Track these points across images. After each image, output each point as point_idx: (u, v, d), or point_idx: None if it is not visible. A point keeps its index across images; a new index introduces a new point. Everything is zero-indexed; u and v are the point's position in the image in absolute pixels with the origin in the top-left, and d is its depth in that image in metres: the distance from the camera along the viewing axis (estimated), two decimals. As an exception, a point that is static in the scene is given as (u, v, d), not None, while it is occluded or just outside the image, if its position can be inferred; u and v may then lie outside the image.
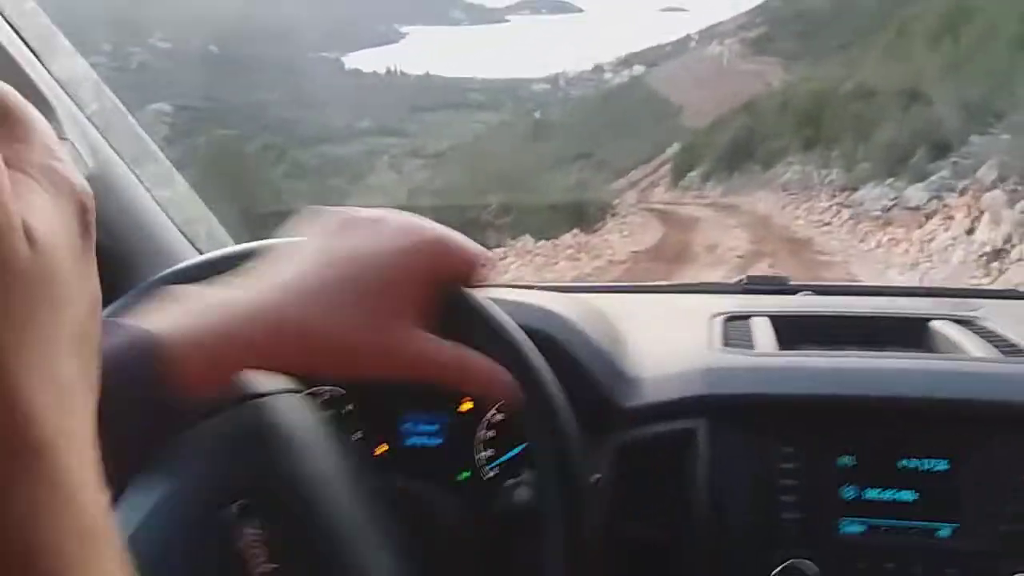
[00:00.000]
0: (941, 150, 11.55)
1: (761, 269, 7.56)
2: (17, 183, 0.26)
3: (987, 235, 8.25)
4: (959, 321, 1.00)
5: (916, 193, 10.94)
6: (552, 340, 0.86)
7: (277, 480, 0.48)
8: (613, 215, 14.58)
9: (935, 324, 0.99)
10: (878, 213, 11.11)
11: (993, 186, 9.41)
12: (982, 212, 8.79)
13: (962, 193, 9.94)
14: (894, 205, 11.03)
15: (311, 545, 0.48)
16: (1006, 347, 0.89)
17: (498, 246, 10.91)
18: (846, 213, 12.04)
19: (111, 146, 1.00)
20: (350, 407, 0.96)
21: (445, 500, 0.80)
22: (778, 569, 0.77)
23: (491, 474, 0.90)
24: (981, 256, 7.85)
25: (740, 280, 1.25)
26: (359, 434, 0.96)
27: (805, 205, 13.43)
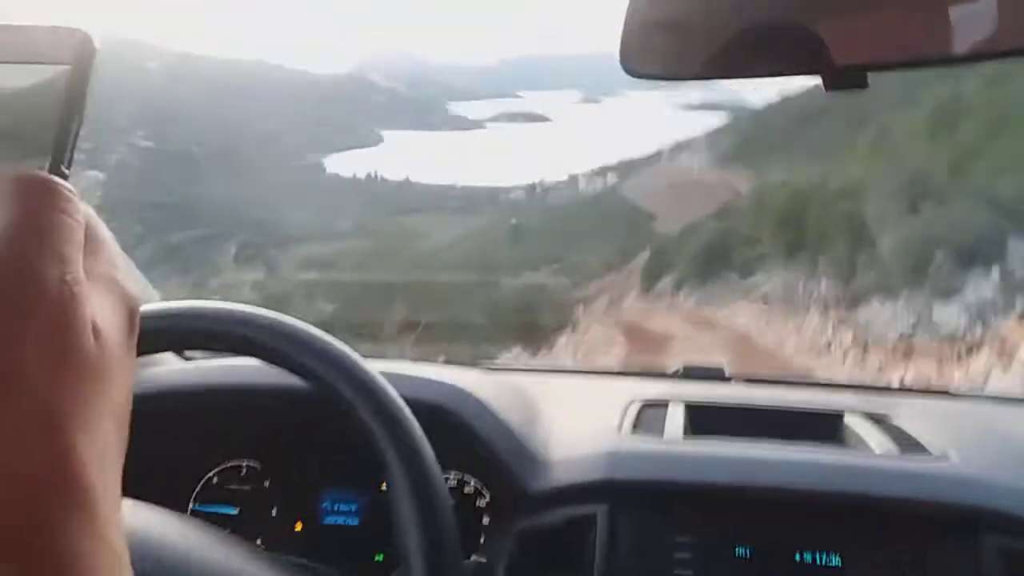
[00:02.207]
0: (970, 257, 8.87)
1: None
2: (94, 292, 0.34)
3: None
4: (871, 417, 1.02)
5: (949, 314, 8.18)
6: (456, 417, 0.89)
7: None
8: (573, 329, 12.50)
9: (847, 419, 1.02)
10: (894, 339, 8.42)
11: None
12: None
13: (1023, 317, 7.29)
14: (915, 330, 8.39)
15: None
16: (909, 444, 0.94)
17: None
18: (848, 336, 9.23)
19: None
20: (267, 483, 0.96)
21: None
22: None
23: None
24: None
25: (677, 370, 1.31)
26: (274, 511, 0.95)
27: (792, 322, 10.83)
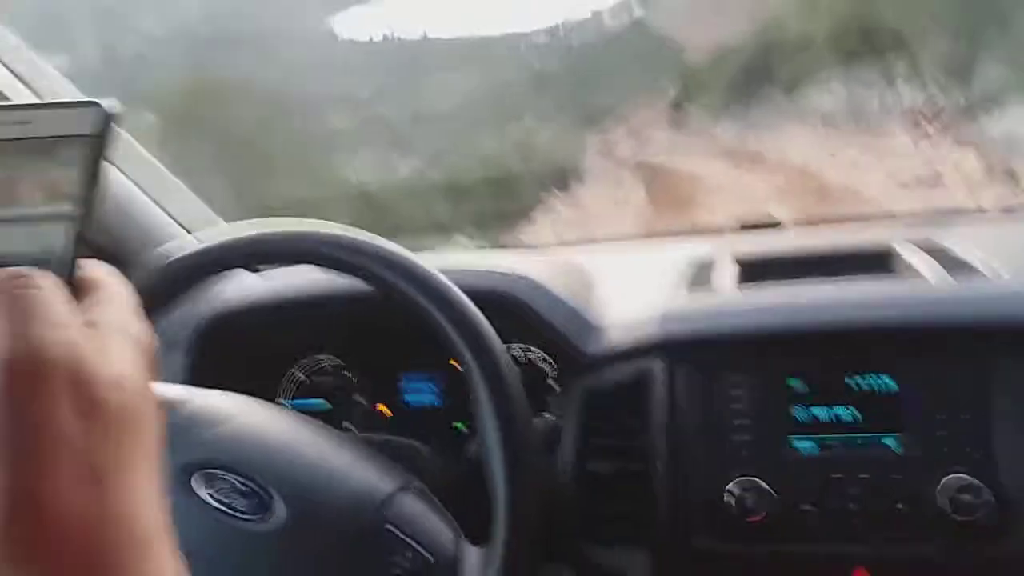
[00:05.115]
0: None
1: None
2: (105, 342, 0.35)
3: None
4: (923, 246, 1.03)
5: None
6: (514, 298, 0.95)
7: None
8: (577, 182, 9.56)
9: (899, 250, 1.03)
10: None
11: None
12: None
13: None
14: None
15: None
16: (961, 269, 0.95)
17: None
18: (973, 163, 4.41)
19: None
20: (350, 374, 1.03)
21: (440, 452, 0.88)
22: (730, 487, 0.84)
23: None
24: None
25: (732, 224, 1.32)
26: (361, 398, 1.02)
27: (864, 143, 5.55)
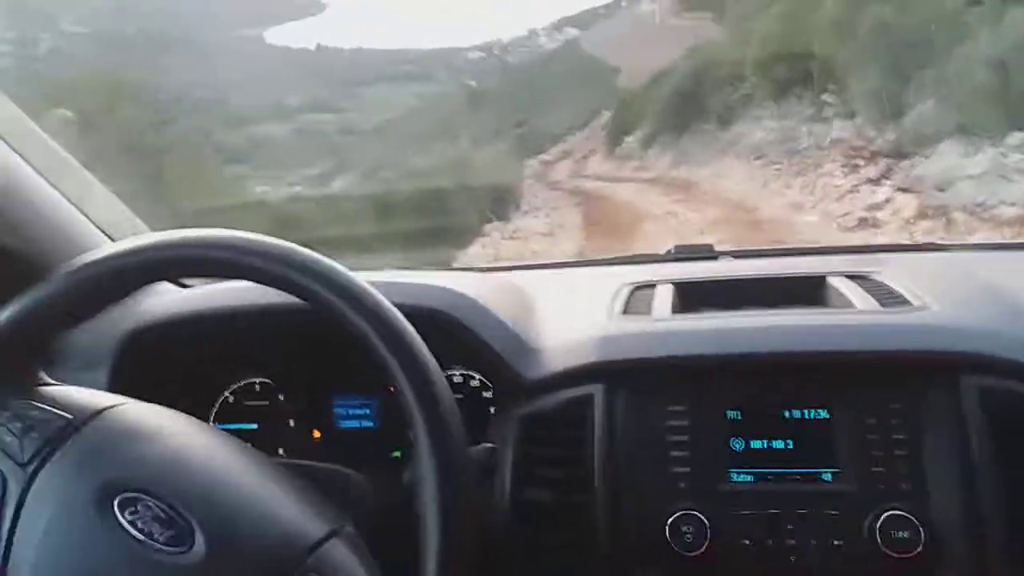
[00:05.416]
0: None
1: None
2: None
3: None
4: (853, 276, 1.03)
5: None
6: (451, 317, 0.90)
7: None
8: (513, 204, 9.11)
9: (830, 280, 1.03)
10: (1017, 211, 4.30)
11: None
12: None
13: None
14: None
15: None
16: (890, 299, 0.95)
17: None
18: (909, 204, 5.28)
19: (21, 157, 0.97)
20: (280, 395, 0.98)
21: (375, 479, 0.81)
22: (670, 521, 0.81)
23: None
24: None
25: (667, 251, 1.29)
26: (292, 422, 0.98)
27: (799, 181, 7.20)
